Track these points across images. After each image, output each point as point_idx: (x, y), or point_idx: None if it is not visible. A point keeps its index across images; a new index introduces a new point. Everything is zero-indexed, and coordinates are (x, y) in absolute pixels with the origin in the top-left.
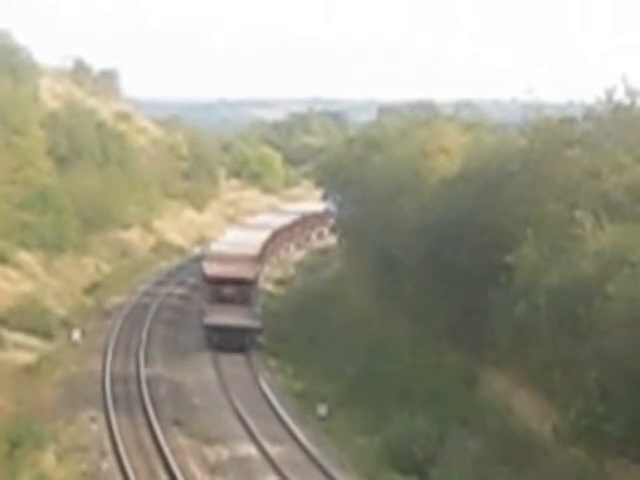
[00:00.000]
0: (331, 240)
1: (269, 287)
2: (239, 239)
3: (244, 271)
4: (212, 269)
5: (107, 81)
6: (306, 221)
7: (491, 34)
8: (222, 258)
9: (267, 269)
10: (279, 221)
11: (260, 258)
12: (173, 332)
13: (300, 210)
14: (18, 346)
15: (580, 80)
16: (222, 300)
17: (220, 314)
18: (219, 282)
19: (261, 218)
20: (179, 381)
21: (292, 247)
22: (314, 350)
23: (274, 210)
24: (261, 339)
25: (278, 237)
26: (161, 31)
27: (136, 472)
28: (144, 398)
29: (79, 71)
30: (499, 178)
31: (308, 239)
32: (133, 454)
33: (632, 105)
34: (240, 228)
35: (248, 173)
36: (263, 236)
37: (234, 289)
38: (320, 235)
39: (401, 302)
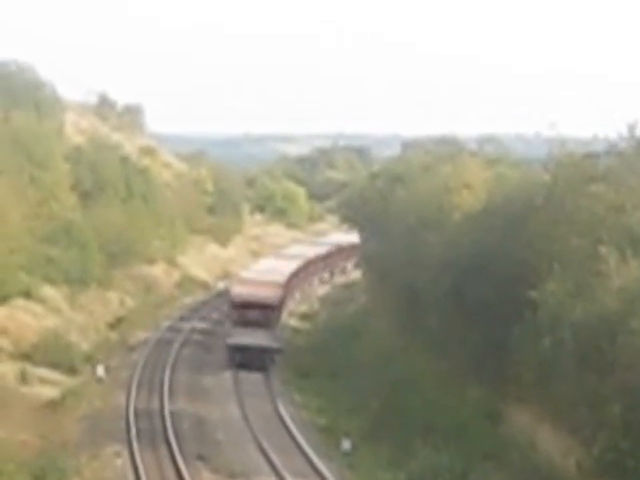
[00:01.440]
0: (356, 275)
1: (294, 322)
2: (269, 267)
3: (268, 296)
4: (238, 294)
5: (131, 116)
6: (341, 251)
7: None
8: (248, 283)
9: (297, 295)
10: (313, 251)
11: (287, 285)
12: (197, 367)
13: (336, 241)
14: (42, 381)
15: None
16: (246, 323)
17: (242, 335)
18: (244, 306)
19: (296, 248)
20: (203, 416)
21: (326, 275)
22: (338, 384)
23: (311, 241)
24: (280, 358)
25: (312, 266)
26: (185, 66)
27: None
28: (168, 433)
29: (103, 106)
30: (523, 213)
31: (344, 269)
32: None
33: None
34: (274, 257)
35: (272, 208)
36: (293, 265)
37: (257, 313)
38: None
39: (425, 336)
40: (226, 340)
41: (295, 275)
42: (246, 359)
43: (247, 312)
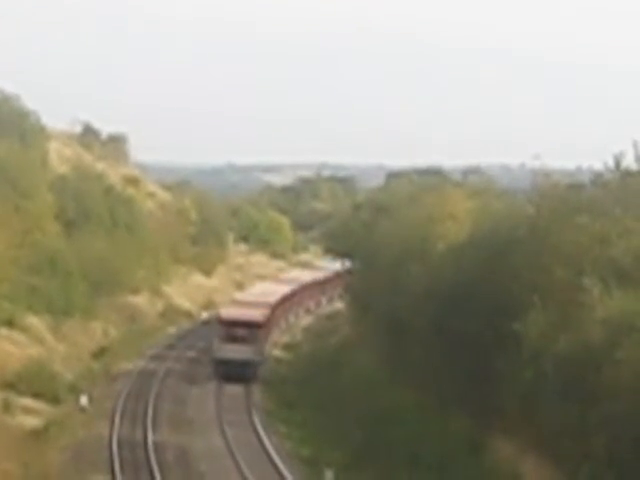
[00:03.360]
0: (339, 305)
1: (277, 352)
2: (262, 289)
3: (254, 315)
4: (226, 312)
5: (115, 145)
6: (340, 276)
7: (500, 99)
8: (238, 304)
9: (292, 317)
10: (310, 276)
11: (276, 305)
12: (180, 398)
13: (335, 267)
14: (25, 410)
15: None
16: (232, 339)
17: (227, 350)
18: (231, 324)
19: (293, 274)
20: (186, 446)
21: (324, 299)
22: (322, 415)
23: (309, 266)
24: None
25: (307, 290)
26: (169, 96)
27: None
28: (151, 463)
29: (87, 135)
30: (507, 244)
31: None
32: None
33: None
34: (271, 281)
35: (256, 238)
36: (287, 288)
37: (244, 330)
38: None
39: (408, 367)
40: (212, 354)
41: (288, 297)
42: (229, 372)
43: (234, 330)
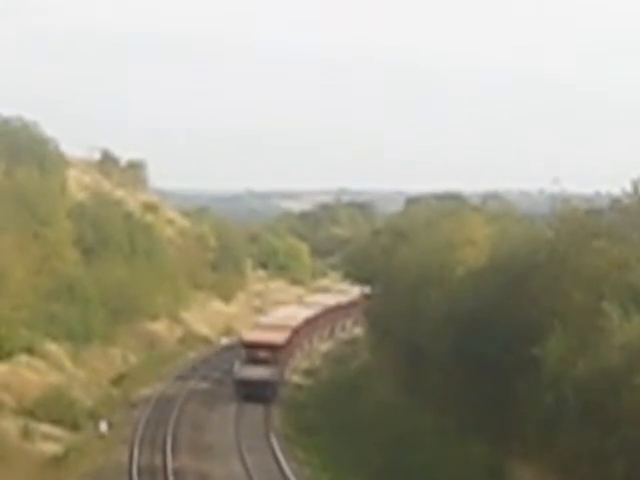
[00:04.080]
0: (358, 330)
1: (296, 378)
2: (285, 313)
3: (275, 338)
4: (248, 335)
5: (134, 172)
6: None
7: (519, 124)
8: (260, 327)
9: (316, 340)
10: (335, 299)
11: (299, 329)
12: (199, 424)
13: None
14: (45, 437)
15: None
16: (254, 360)
17: (247, 371)
18: (252, 346)
19: (318, 297)
20: (206, 473)
21: (349, 322)
22: (341, 441)
23: (335, 290)
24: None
25: (332, 313)
26: (187, 122)
27: None
28: None
29: (106, 162)
30: (526, 269)
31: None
32: None
33: None
34: (295, 305)
35: (275, 264)
36: (310, 311)
37: (264, 352)
38: None
39: (427, 393)
40: (233, 375)
41: (312, 320)
42: (250, 391)
43: (256, 352)
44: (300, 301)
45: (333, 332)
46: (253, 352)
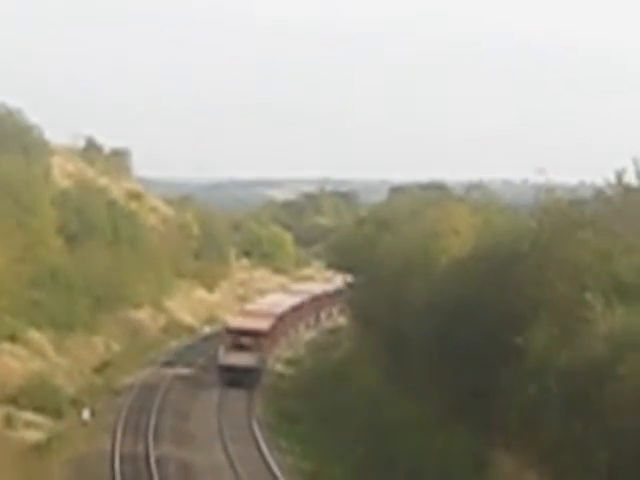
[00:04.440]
0: (342, 319)
1: (279, 367)
2: (271, 300)
3: (258, 324)
4: (233, 322)
5: (118, 160)
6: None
7: (502, 114)
8: (245, 313)
9: (302, 327)
10: (322, 288)
11: (284, 316)
12: (182, 412)
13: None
14: (28, 425)
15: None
16: (237, 347)
17: (231, 357)
18: (237, 332)
19: (308, 285)
20: (188, 461)
21: (335, 310)
22: (324, 430)
23: (326, 279)
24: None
25: (318, 301)
26: (172, 111)
27: None
28: (153, 478)
29: (90, 150)
30: (509, 259)
31: None
32: None
33: None
34: (282, 293)
35: (259, 253)
36: (297, 299)
37: (248, 338)
38: None
39: (411, 382)
40: (217, 361)
41: (297, 308)
42: (233, 377)
43: (240, 338)
44: (286, 289)
45: (319, 319)
46: (237, 338)
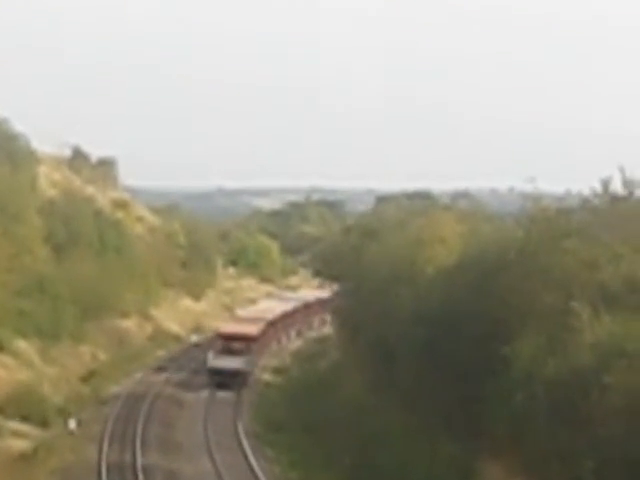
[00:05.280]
0: (328, 329)
1: (266, 376)
2: (264, 307)
3: (248, 329)
4: (224, 327)
5: (105, 169)
6: None
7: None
8: (236, 319)
9: (293, 333)
10: (315, 295)
11: (275, 321)
12: (168, 421)
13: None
14: (14, 434)
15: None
16: (228, 351)
17: (220, 360)
18: (227, 337)
19: (300, 293)
20: (175, 470)
21: (328, 317)
22: (310, 439)
23: (318, 286)
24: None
25: (311, 307)
26: (158, 121)
27: None
28: None
29: (77, 159)
30: (496, 268)
31: None
32: None
33: (629, 196)
34: (276, 299)
35: (245, 262)
36: (288, 305)
37: (238, 343)
38: None
39: (397, 391)
40: (207, 365)
41: (289, 314)
42: (221, 380)
43: (230, 343)
44: (279, 296)
45: (312, 325)
46: (228, 343)
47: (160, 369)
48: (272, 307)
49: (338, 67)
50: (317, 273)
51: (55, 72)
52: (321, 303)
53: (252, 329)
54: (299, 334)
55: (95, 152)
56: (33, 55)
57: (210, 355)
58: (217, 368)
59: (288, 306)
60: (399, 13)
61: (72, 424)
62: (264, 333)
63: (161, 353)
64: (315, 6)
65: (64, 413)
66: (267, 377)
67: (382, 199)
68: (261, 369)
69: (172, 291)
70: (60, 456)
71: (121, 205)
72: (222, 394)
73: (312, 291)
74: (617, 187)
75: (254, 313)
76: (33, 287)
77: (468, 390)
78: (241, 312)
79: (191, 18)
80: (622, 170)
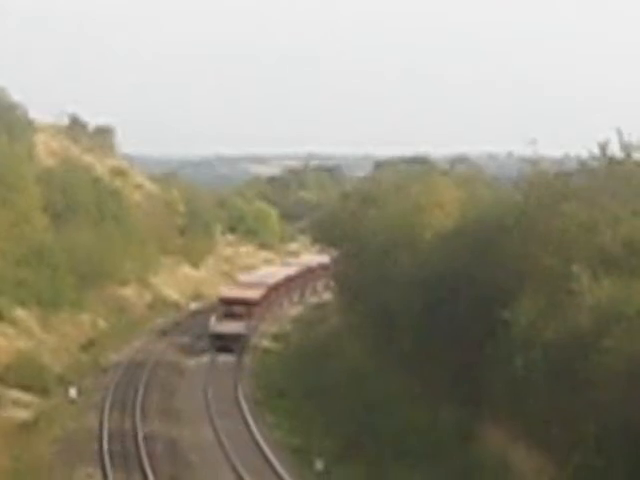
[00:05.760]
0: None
1: (266, 342)
2: (266, 272)
3: (249, 294)
4: (225, 291)
5: (103, 137)
6: None
7: (485, 87)
8: (238, 284)
9: (295, 297)
10: (318, 260)
11: (277, 286)
12: (169, 389)
13: None
14: (15, 403)
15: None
16: (229, 315)
17: (220, 325)
18: (229, 302)
19: (304, 258)
20: (176, 437)
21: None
22: (311, 405)
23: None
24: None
25: (312, 272)
26: (156, 88)
27: None
28: (141, 455)
29: (75, 128)
30: (495, 233)
31: None
32: None
33: (626, 159)
34: (281, 265)
35: (244, 229)
36: (291, 270)
37: (239, 307)
38: None
39: (398, 357)
40: (209, 329)
41: (292, 278)
42: (221, 344)
43: (231, 307)
44: (285, 261)
45: (316, 289)
46: (229, 308)
47: (160, 336)
48: (275, 272)
49: (335, 33)
50: (316, 239)
51: (52, 40)
52: (324, 267)
53: (253, 294)
54: (302, 298)
55: (93, 120)
56: (29, 25)
57: (212, 321)
58: (219, 333)
59: (290, 271)
60: None
61: (73, 392)
62: (265, 297)
63: (160, 320)
64: None
65: (64, 382)
66: (267, 343)
67: (380, 165)
68: (261, 335)
69: (171, 259)
70: (61, 425)
71: (119, 173)
72: (223, 359)
73: (315, 256)
74: (615, 150)
75: (256, 278)
76: (32, 256)
77: (468, 355)
78: (243, 277)
79: None
80: (619, 133)
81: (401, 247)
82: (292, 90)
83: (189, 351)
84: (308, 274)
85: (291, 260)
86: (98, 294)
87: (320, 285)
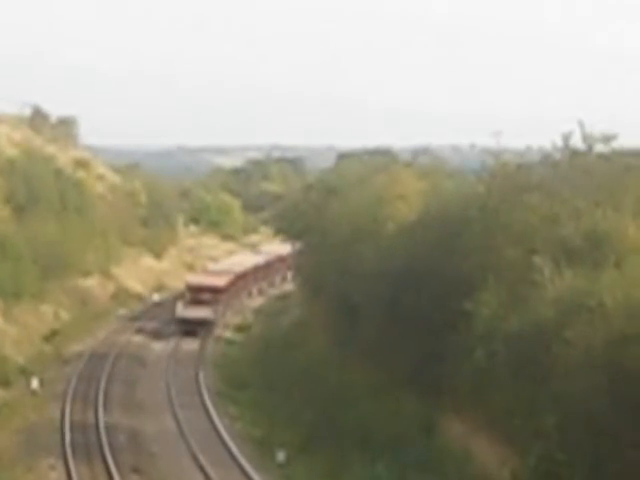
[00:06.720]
0: (290, 287)
1: (228, 334)
2: (234, 260)
3: (215, 281)
4: (192, 279)
5: (65, 128)
6: None
7: (448, 79)
8: (205, 271)
9: (266, 284)
10: (286, 249)
11: (244, 274)
12: (131, 380)
13: None
14: None
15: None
16: (195, 302)
17: (186, 310)
18: (195, 289)
19: (274, 247)
20: (138, 428)
21: None
22: (273, 396)
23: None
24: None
25: (282, 261)
26: (119, 79)
27: None
28: (103, 445)
29: (37, 118)
30: (457, 224)
31: None
32: None
33: (588, 150)
34: (250, 253)
35: (207, 220)
36: (260, 259)
37: (205, 294)
38: None
39: (361, 348)
40: (176, 314)
41: (261, 267)
42: (187, 328)
43: (197, 294)
44: (255, 249)
45: (285, 278)
46: (195, 294)
47: (123, 328)
48: (243, 260)
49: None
50: (279, 230)
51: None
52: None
53: (219, 281)
54: (271, 286)
55: (55, 111)
56: None
57: (179, 306)
58: (185, 318)
59: (260, 259)
60: None
61: (35, 383)
62: (232, 285)
63: (123, 312)
64: None
65: (26, 373)
66: (230, 335)
67: (343, 156)
68: (224, 327)
69: (133, 250)
70: (23, 416)
71: (82, 164)
72: (186, 349)
73: (282, 246)
74: (577, 142)
75: (223, 266)
76: None
77: (431, 346)
78: (211, 265)
79: None
80: (582, 125)
81: (364, 238)
82: (254, 82)
83: (152, 343)
84: (278, 263)
85: (262, 249)
86: (60, 285)
87: (290, 274)
